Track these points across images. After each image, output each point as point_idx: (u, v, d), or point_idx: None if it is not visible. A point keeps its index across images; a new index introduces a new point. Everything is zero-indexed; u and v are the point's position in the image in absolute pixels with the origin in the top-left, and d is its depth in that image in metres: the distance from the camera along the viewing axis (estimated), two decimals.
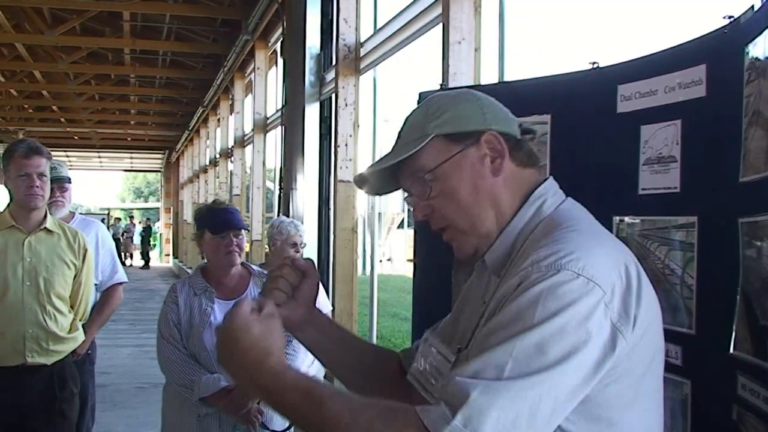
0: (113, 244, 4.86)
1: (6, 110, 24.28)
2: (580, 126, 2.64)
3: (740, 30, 1.92)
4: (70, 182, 4.62)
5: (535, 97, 2.80)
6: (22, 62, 16.61)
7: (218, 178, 18.00)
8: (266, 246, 4.87)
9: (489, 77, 4.38)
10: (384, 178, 1.60)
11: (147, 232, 32.42)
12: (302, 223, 6.01)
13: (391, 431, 1.27)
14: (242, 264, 3.69)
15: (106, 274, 4.74)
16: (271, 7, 10.07)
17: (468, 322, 1.55)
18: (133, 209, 54.01)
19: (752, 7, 1.86)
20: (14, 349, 3.72)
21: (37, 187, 3.71)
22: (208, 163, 20.49)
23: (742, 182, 1.84)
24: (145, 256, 31.41)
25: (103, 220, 33.18)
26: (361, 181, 1.64)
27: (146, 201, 64.66)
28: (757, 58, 1.78)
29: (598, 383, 1.29)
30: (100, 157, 37.84)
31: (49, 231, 3.86)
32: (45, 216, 3.86)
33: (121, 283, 4.83)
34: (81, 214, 5.08)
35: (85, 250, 4.00)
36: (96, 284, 4.67)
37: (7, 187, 3.78)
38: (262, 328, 1.46)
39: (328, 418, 1.31)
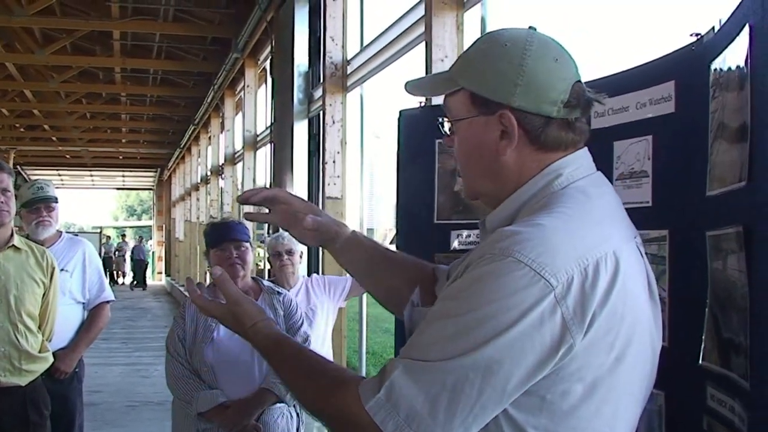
0: (100, 262, 4.88)
1: None
2: None
3: (704, 48, 1.97)
4: (56, 202, 4.62)
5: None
6: (13, 82, 16.65)
7: (209, 195, 18.01)
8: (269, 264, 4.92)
9: None
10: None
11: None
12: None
13: (334, 399, 1.33)
14: (253, 278, 3.73)
15: (93, 292, 4.74)
16: (260, 26, 10.14)
17: None
18: (126, 227, 53.93)
19: (713, 28, 1.91)
20: None
21: (2, 202, 3.66)
22: (199, 181, 20.50)
23: (708, 196, 1.87)
24: (140, 276, 30.85)
25: (109, 239, 32.85)
26: (413, 87, 1.63)
27: (139, 219, 64.55)
28: (720, 69, 1.82)
29: (544, 380, 1.26)
30: (92, 175, 37.84)
31: (17, 248, 3.81)
32: (12, 234, 3.81)
33: (108, 302, 4.83)
34: (68, 233, 5.08)
35: (53, 269, 3.96)
36: (83, 303, 4.68)
37: None
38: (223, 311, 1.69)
39: (287, 380, 1.52)
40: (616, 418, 1.35)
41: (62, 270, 4.47)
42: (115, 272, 32.21)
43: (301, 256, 4.81)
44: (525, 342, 1.22)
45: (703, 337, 1.87)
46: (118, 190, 53.35)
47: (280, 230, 5.01)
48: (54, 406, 4.13)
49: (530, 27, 1.49)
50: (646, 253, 2.21)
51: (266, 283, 3.76)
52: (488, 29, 4.47)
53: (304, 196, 8.32)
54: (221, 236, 3.54)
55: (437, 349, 1.25)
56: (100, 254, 26.91)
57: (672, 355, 2.10)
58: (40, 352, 3.87)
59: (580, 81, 1.46)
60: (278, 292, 3.68)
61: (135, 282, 30.01)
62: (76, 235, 5.21)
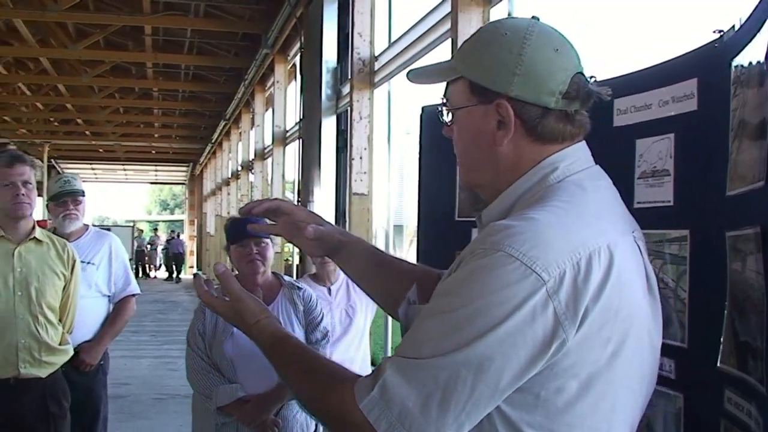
0: (126, 256, 4.91)
1: (32, 123, 24.64)
2: None
3: (726, 45, 1.93)
4: (83, 195, 4.66)
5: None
6: (47, 76, 16.86)
7: (240, 190, 18.11)
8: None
9: None
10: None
11: (170, 245, 32.52)
12: None
13: (331, 397, 1.34)
14: (274, 274, 3.73)
15: (118, 286, 4.77)
16: (289, 22, 10.17)
17: None
18: (158, 221, 54.41)
19: (733, 26, 1.88)
20: (7, 360, 3.70)
21: (23, 194, 3.70)
22: (230, 176, 20.63)
23: (728, 195, 1.84)
24: (170, 269, 31.32)
25: (141, 232, 33.31)
26: (415, 75, 1.63)
27: (172, 213, 65.09)
28: (741, 66, 1.79)
29: (538, 376, 1.24)
30: (125, 169, 38.20)
31: (38, 241, 3.86)
32: (33, 226, 3.85)
33: (134, 295, 4.86)
34: (101, 226, 5.13)
35: (74, 261, 4.00)
36: (109, 296, 4.73)
37: None
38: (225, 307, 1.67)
39: (287, 378, 1.53)
40: (613, 413, 1.33)
41: (88, 263, 4.52)
42: (147, 266, 32.56)
43: None
44: (517, 337, 1.21)
45: (722, 340, 1.84)
46: (152, 185, 53.89)
47: None
48: (79, 398, 4.18)
49: (533, 17, 1.48)
50: (668, 253, 2.21)
51: (286, 278, 3.76)
52: None
53: (332, 192, 8.35)
54: (241, 232, 3.54)
55: (430, 346, 1.24)
56: (132, 248, 27.28)
57: (691, 358, 2.08)
58: (60, 344, 3.91)
59: (581, 73, 1.44)
60: (298, 287, 3.68)
61: (171, 274, 30.43)
62: (109, 229, 5.26)
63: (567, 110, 1.42)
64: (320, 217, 1.93)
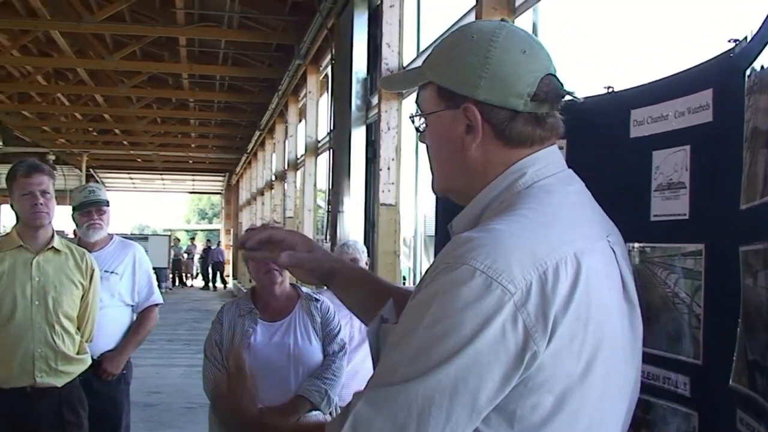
0: (150, 266, 4.93)
1: (71, 133, 25.04)
2: (595, 151, 2.60)
3: (741, 55, 1.89)
4: (107, 205, 4.70)
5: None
6: (84, 86, 17.15)
7: (273, 200, 18.20)
8: None
9: None
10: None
11: (207, 254, 32.83)
12: None
13: None
14: (291, 285, 3.71)
15: (142, 295, 4.79)
16: (321, 33, 10.21)
17: None
18: (196, 231, 54.86)
19: (746, 37, 1.83)
20: (23, 368, 3.73)
21: (41, 204, 3.73)
22: (264, 186, 20.74)
23: (742, 209, 1.79)
24: (206, 277, 31.72)
25: (178, 241, 33.85)
26: (387, 82, 1.70)
27: (210, 222, 65.59)
28: (754, 70, 1.75)
29: (512, 392, 1.20)
30: (163, 179, 38.61)
31: (56, 250, 3.89)
32: (52, 235, 3.89)
33: (157, 305, 4.88)
34: (130, 235, 5.18)
35: (93, 271, 4.02)
36: (132, 305, 4.75)
37: (13, 208, 3.82)
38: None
39: None
40: (592, 428, 1.29)
41: (112, 272, 4.55)
42: (183, 274, 32.87)
43: (367, 264, 4.80)
44: (489, 355, 1.17)
45: (734, 358, 1.79)
46: (191, 194, 54.34)
47: (347, 238, 5.03)
48: (101, 407, 4.21)
49: (502, 19, 1.48)
50: (683, 267, 2.15)
51: (304, 289, 3.74)
52: (540, 34, 4.40)
53: (361, 202, 8.34)
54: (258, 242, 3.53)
55: (401, 370, 1.19)
56: (169, 256, 27.57)
57: (706, 375, 2.02)
58: (78, 353, 3.93)
59: (552, 74, 1.42)
60: (316, 298, 3.66)
61: (207, 283, 30.72)
62: (146, 239, 5.31)
63: (537, 113, 1.40)
64: (312, 242, 1.90)
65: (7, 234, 3.97)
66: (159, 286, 4.93)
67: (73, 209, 4.63)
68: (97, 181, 28.32)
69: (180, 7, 11.69)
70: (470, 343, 1.16)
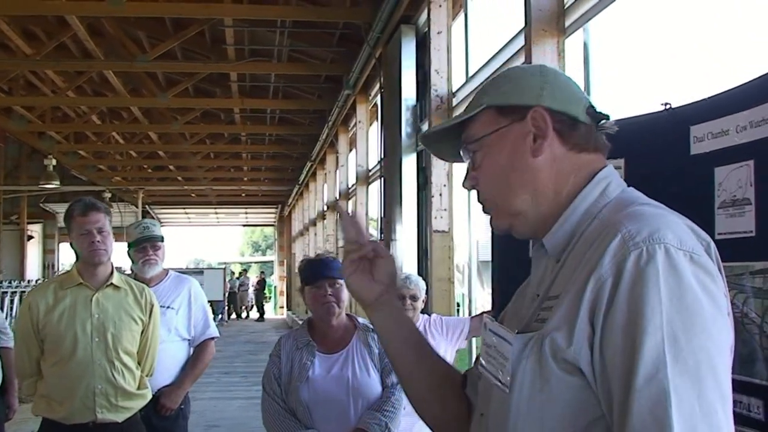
0: (205, 300, 4.95)
1: (126, 171, 25.51)
2: (655, 169, 2.54)
3: None
4: (162, 240, 4.73)
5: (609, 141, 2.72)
6: (139, 124, 17.46)
7: (326, 230, 18.26)
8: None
9: None
10: (450, 144, 1.58)
11: (261, 285, 33.06)
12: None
13: None
14: (348, 316, 3.66)
15: (198, 329, 4.81)
16: (369, 62, 10.26)
17: (527, 310, 1.43)
18: (251, 263, 55.32)
19: None
20: (84, 405, 3.75)
21: (98, 242, 3.78)
22: (316, 216, 20.84)
23: None
24: (260, 309, 32.03)
25: (239, 276, 34.44)
26: (426, 139, 1.64)
27: (264, 254, 66.15)
28: None
29: None
30: (216, 212, 39.06)
31: (116, 287, 3.93)
32: (111, 272, 3.93)
33: (213, 338, 4.89)
34: (185, 270, 5.21)
35: (152, 306, 4.05)
36: (189, 339, 4.77)
37: (72, 246, 3.88)
38: None
39: None
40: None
41: (168, 307, 4.57)
42: (240, 306, 33.25)
43: (424, 302, 4.78)
44: (726, 336, 1.21)
45: None
46: (244, 227, 54.88)
47: (409, 273, 4.99)
48: None
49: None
50: (751, 286, 2.07)
51: (361, 320, 3.70)
52: (591, 54, 4.35)
53: (414, 229, 8.31)
54: (316, 273, 3.51)
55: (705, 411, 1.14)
56: (224, 289, 27.82)
57: None
58: (138, 388, 3.95)
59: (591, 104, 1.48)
60: (373, 329, 3.61)
61: (262, 315, 31.40)
62: (202, 272, 5.33)
63: (593, 125, 1.46)
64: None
65: (68, 272, 4.02)
66: (215, 319, 4.94)
67: (129, 246, 4.68)
68: (152, 217, 28.75)
69: (230, 43, 11.86)
70: (718, 335, 1.19)
